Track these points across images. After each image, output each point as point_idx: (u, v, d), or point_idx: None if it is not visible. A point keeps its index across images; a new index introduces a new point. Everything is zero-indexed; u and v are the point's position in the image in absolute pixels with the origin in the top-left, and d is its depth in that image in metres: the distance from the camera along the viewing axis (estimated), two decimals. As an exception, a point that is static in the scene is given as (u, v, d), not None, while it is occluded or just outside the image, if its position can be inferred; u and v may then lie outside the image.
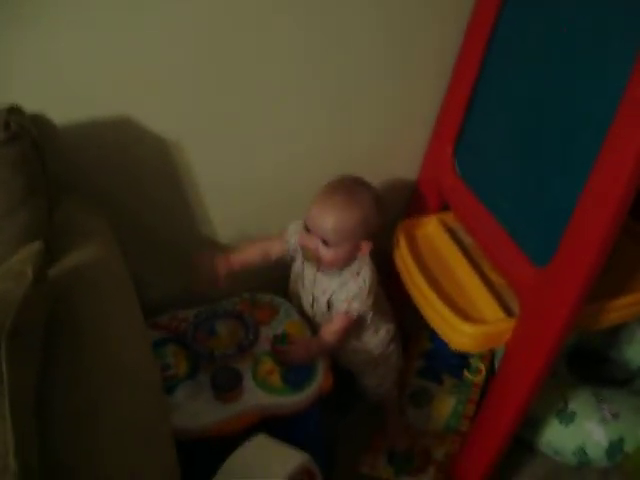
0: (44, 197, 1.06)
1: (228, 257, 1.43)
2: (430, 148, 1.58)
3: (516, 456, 1.58)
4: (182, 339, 1.40)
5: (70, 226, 1.12)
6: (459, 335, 1.24)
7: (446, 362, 1.77)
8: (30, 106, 1.12)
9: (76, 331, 0.93)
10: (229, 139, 1.44)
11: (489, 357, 1.77)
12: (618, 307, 1.26)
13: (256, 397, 1.29)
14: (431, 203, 1.60)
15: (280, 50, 1.35)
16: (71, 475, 0.79)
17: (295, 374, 1.33)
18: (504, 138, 1.31)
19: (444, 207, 1.57)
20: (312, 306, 1.43)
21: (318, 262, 1.32)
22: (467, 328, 1.22)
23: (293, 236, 1.41)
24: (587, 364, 1.76)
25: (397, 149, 1.63)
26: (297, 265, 1.44)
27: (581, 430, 1.53)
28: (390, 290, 1.51)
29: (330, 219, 1.26)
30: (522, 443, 1.60)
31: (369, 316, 1.39)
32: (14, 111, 1.05)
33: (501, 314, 1.25)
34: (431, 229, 1.52)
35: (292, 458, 1.14)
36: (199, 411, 1.26)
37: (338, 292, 1.35)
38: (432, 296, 1.30)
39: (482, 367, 1.75)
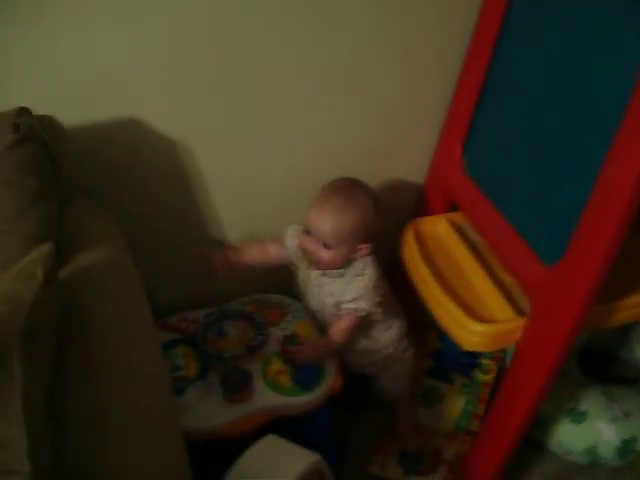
0: (54, 199, 1.06)
1: (226, 252, 1.45)
2: (439, 148, 1.58)
3: (527, 456, 1.57)
4: (192, 340, 1.40)
5: (80, 228, 1.12)
6: (469, 334, 1.23)
7: (456, 361, 1.76)
8: (35, 107, 1.12)
9: (86, 333, 0.93)
10: (237, 140, 1.44)
11: (499, 356, 1.76)
12: (628, 306, 1.25)
13: (266, 398, 1.29)
14: (440, 203, 1.59)
15: (285, 52, 1.35)
16: (83, 476, 0.79)
17: (305, 374, 1.33)
18: (513, 137, 1.31)
19: (453, 207, 1.57)
20: (319, 309, 1.43)
21: (317, 263, 1.32)
22: (477, 327, 1.22)
23: (291, 240, 1.42)
24: (597, 363, 1.75)
25: (405, 149, 1.63)
26: (301, 269, 1.43)
27: (592, 429, 1.53)
28: (399, 290, 1.51)
29: (328, 221, 1.26)
30: (533, 443, 1.59)
31: (377, 314, 1.39)
32: (23, 113, 1.06)
33: (511, 313, 1.25)
34: (440, 229, 1.52)
35: (302, 458, 1.14)
36: (209, 412, 1.26)
37: (344, 293, 1.34)
38: (442, 295, 1.30)
39: (492, 366, 1.74)
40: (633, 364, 1.78)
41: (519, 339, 1.23)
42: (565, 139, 1.14)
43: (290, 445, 1.18)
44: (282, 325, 1.46)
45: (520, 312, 1.25)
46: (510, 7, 1.30)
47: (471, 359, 1.76)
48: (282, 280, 1.52)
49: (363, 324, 1.40)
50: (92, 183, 1.33)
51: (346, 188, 1.31)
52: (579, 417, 1.54)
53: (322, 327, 1.45)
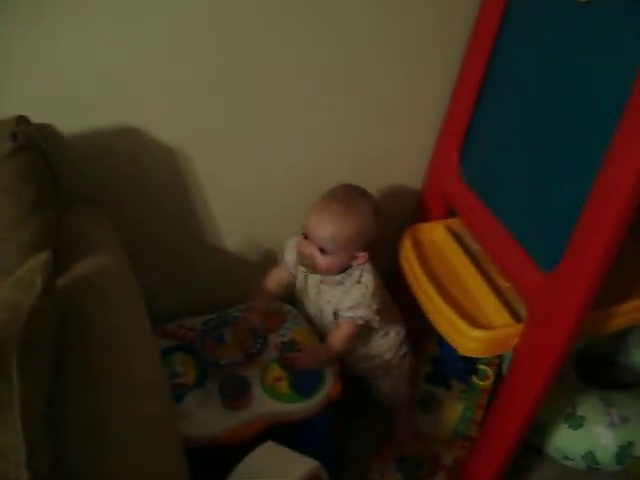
0: (52, 207, 1.06)
1: (258, 309, 1.48)
2: (435, 154, 1.58)
3: (525, 461, 1.57)
4: (190, 347, 1.40)
5: (78, 236, 1.12)
6: (466, 340, 1.23)
7: (454, 367, 1.77)
8: (35, 109, 1.13)
9: (85, 340, 0.94)
10: (237, 148, 1.44)
11: (497, 362, 1.77)
12: (625, 311, 1.25)
13: (265, 404, 1.29)
14: (437, 209, 1.60)
15: (284, 57, 1.35)
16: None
17: (303, 381, 1.33)
18: (510, 143, 1.31)
19: (450, 213, 1.57)
20: (318, 317, 1.44)
21: (314, 269, 1.32)
22: (474, 333, 1.22)
23: (290, 253, 1.42)
24: (594, 368, 1.75)
25: (402, 156, 1.63)
26: (299, 279, 1.44)
27: (590, 434, 1.53)
28: (397, 296, 1.51)
29: (327, 228, 1.27)
30: (531, 448, 1.60)
31: (376, 321, 1.39)
32: (21, 121, 1.06)
33: (508, 319, 1.25)
34: (438, 235, 1.52)
35: (301, 465, 1.14)
36: (208, 419, 1.26)
37: (342, 301, 1.34)
38: (439, 301, 1.30)
39: (490, 372, 1.74)
40: (630, 369, 1.78)
41: (516, 345, 1.23)
42: (562, 145, 1.14)
43: (289, 452, 1.18)
44: (281, 332, 1.46)
45: (517, 318, 1.26)
46: (509, 8, 1.31)
47: (469, 365, 1.76)
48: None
49: (362, 331, 1.40)
50: (92, 190, 1.33)
51: (346, 195, 1.31)
52: (577, 422, 1.54)
53: (321, 334, 1.45)
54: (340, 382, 1.37)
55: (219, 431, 1.25)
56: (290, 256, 1.42)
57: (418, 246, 1.48)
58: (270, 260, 1.58)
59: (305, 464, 1.14)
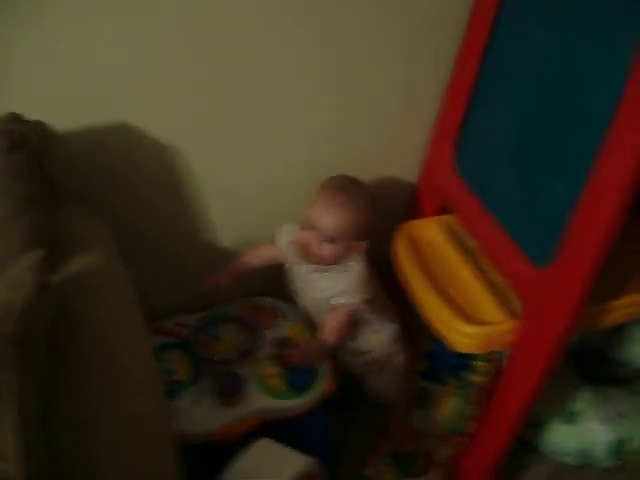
0: (46, 205, 1.06)
1: (226, 271, 1.50)
2: (430, 150, 1.58)
3: (521, 456, 1.58)
4: (185, 344, 1.40)
5: (71, 234, 1.12)
6: (460, 336, 1.24)
7: (449, 363, 1.76)
8: (33, 108, 1.12)
9: (78, 339, 0.93)
10: (231, 146, 1.44)
11: (496, 359, 1.76)
12: (620, 307, 1.26)
13: (259, 401, 1.30)
14: (431, 205, 1.60)
15: (280, 55, 1.35)
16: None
17: (298, 377, 1.34)
18: (504, 138, 1.31)
19: (444, 210, 1.57)
20: (312, 307, 1.45)
21: (317, 259, 1.35)
22: (467, 329, 1.22)
23: (285, 237, 1.44)
24: (589, 363, 1.76)
25: (396, 151, 1.63)
26: (293, 268, 1.45)
27: (586, 430, 1.53)
28: (392, 292, 1.51)
29: (333, 217, 1.30)
30: (527, 444, 1.60)
31: (367, 312, 1.40)
32: (15, 119, 1.06)
33: (502, 315, 1.25)
34: (432, 231, 1.52)
35: (295, 462, 1.14)
36: (203, 416, 1.26)
37: (333, 289, 1.37)
38: (432, 297, 1.30)
39: (487, 369, 1.74)
40: (625, 364, 1.78)
41: (512, 341, 1.23)
42: (555, 141, 1.14)
43: (283, 448, 1.18)
44: (275, 328, 1.46)
45: (513, 314, 1.26)
46: (501, 8, 1.30)
47: (464, 361, 1.76)
48: (275, 282, 1.52)
49: (354, 324, 1.42)
50: (85, 188, 1.32)
51: (348, 185, 1.36)
52: (573, 418, 1.54)
53: (316, 327, 1.46)
54: (336, 378, 1.38)
55: (214, 427, 1.25)
56: (282, 242, 1.44)
57: (412, 242, 1.48)
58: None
59: (300, 461, 1.15)
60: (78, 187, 1.31)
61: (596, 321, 1.26)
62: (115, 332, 1.01)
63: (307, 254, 1.36)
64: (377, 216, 1.37)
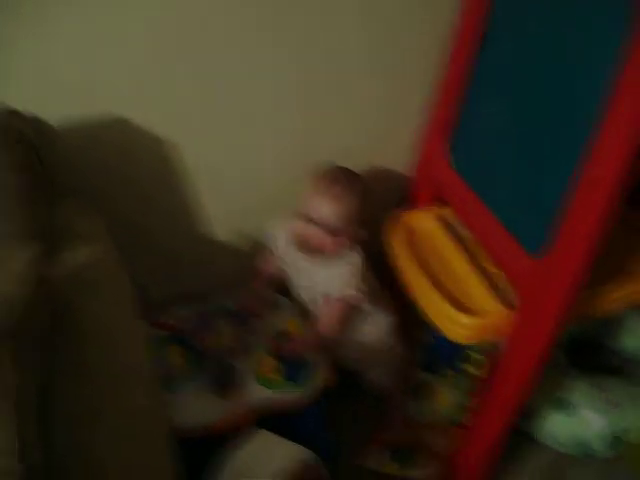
0: (43, 200, 1.06)
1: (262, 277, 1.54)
2: (424, 141, 1.58)
3: (519, 448, 1.59)
4: (183, 337, 1.40)
5: (68, 228, 1.12)
6: (455, 326, 1.24)
7: (447, 355, 1.76)
8: (28, 106, 1.12)
9: (76, 333, 0.94)
10: (226, 139, 1.45)
11: (491, 349, 1.77)
12: (615, 297, 1.26)
13: (257, 393, 1.30)
14: (426, 196, 1.60)
15: (269, 49, 1.36)
16: (73, 475, 0.80)
17: (296, 369, 1.34)
18: (497, 128, 1.31)
19: (440, 201, 1.57)
20: (310, 299, 1.46)
21: (317, 250, 1.36)
22: (462, 319, 1.22)
23: (278, 233, 1.46)
24: (583, 353, 1.76)
25: (390, 143, 1.64)
26: (289, 263, 1.46)
27: (582, 420, 1.54)
28: (388, 284, 1.51)
29: (334, 207, 1.32)
30: (524, 435, 1.61)
31: (364, 304, 1.40)
32: (13, 115, 1.06)
33: (498, 306, 1.25)
34: (427, 222, 1.52)
35: (293, 454, 1.15)
36: (201, 408, 1.27)
37: (330, 280, 1.38)
38: (427, 288, 1.31)
39: (484, 360, 1.75)
40: (618, 353, 1.79)
41: (507, 331, 1.24)
42: (548, 130, 1.14)
43: (281, 440, 1.19)
44: (273, 321, 1.47)
45: (508, 305, 1.26)
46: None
47: (462, 353, 1.76)
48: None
49: (351, 316, 1.42)
50: (80, 182, 1.33)
51: (345, 175, 1.38)
52: (569, 408, 1.55)
53: (314, 319, 1.46)
54: (333, 370, 1.38)
55: (212, 420, 1.26)
56: (280, 240, 1.45)
57: (407, 233, 1.48)
58: (259, 250, 1.58)
59: (297, 453, 1.15)
60: (74, 182, 1.31)
61: (591, 310, 1.27)
62: (113, 325, 1.01)
63: (306, 246, 1.37)
64: (370, 205, 1.38)
